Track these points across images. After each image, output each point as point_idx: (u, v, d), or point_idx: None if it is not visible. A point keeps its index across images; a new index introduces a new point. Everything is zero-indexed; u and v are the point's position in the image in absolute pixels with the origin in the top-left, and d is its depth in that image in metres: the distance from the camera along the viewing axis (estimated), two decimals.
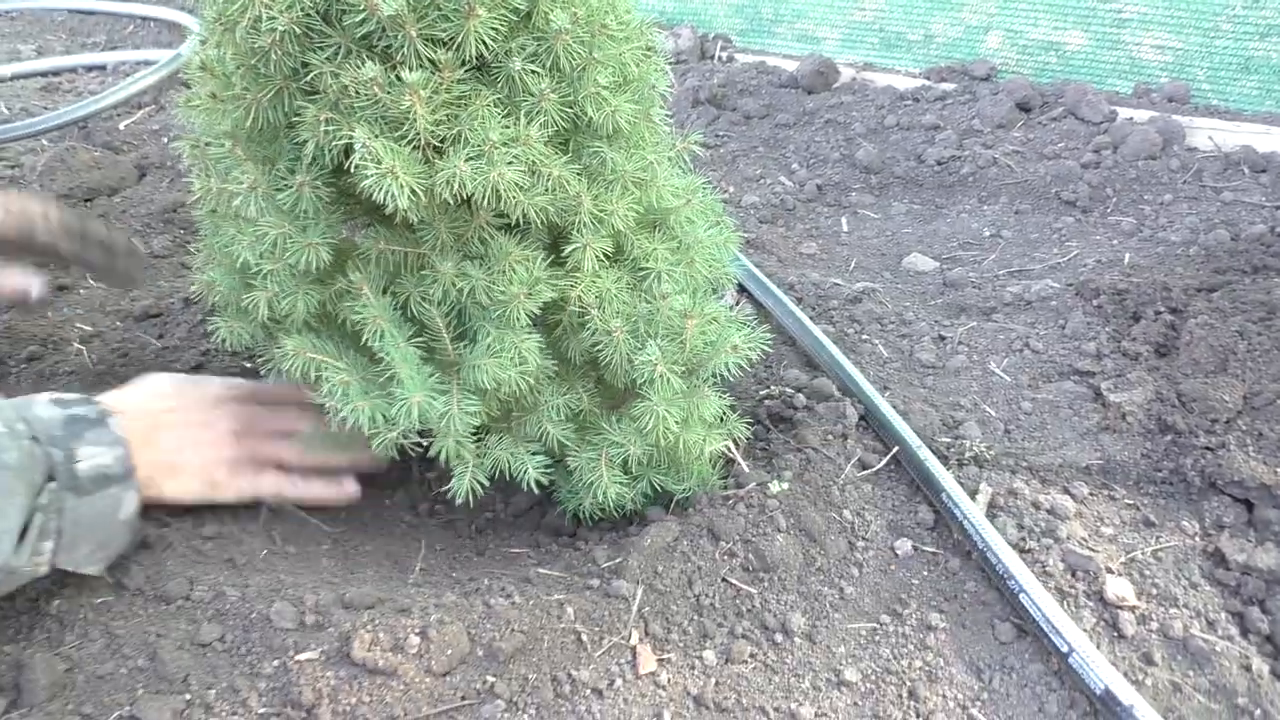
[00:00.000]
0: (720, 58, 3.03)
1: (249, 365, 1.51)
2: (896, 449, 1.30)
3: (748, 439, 1.29)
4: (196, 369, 1.54)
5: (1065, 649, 1.00)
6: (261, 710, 0.95)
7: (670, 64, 2.95)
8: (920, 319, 1.66)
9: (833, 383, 1.45)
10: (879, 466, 1.29)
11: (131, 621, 1.04)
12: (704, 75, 2.81)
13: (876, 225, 2.13)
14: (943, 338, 1.61)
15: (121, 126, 2.59)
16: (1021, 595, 1.06)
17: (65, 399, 1.07)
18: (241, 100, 0.98)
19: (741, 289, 1.75)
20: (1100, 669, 0.97)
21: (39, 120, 2.51)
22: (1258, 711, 0.97)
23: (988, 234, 2.03)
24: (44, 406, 1.04)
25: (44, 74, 3.14)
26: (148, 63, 3.02)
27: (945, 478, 1.22)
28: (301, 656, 0.98)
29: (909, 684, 1.02)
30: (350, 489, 1.27)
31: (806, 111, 2.60)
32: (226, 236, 1.03)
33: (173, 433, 1.17)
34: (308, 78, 0.94)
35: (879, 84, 2.69)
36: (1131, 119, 2.30)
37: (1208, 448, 1.27)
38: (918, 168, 2.30)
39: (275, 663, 0.98)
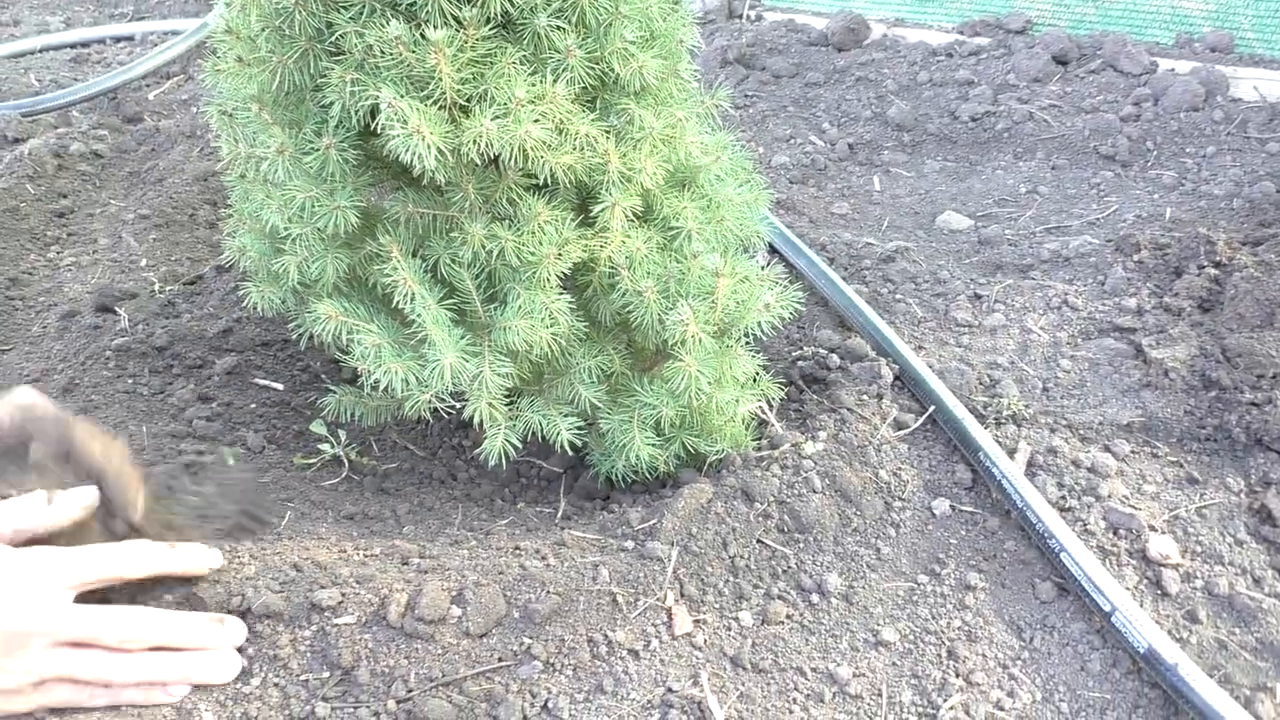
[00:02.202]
0: (748, 16, 2.98)
1: (267, 345, 1.52)
2: (932, 409, 1.28)
3: (781, 400, 1.28)
4: (226, 333, 1.54)
5: (1108, 608, 0.99)
6: (301, 673, 0.95)
7: (698, 24, 2.91)
8: (955, 277, 1.64)
9: (866, 343, 1.44)
10: (915, 426, 1.27)
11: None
12: (732, 35, 2.77)
13: (909, 184, 2.09)
14: (979, 296, 1.58)
15: (151, 96, 2.60)
16: (1063, 554, 1.05)
17: None
18: (267, 63, 0.97)
19: (772, 249, 1.73)
20: (1143, 627, 0.96)
21: (69, 91, 2.52)
22: None
23: (1024, 190, 1.99)
24: None
25: (73, 45, 3.15)
26: (175, 32, 3.02)
27: (982, 437, 1.20)
28: (340, 620, 0.99)
29: (948, 643, 1.02)
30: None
31: (837, 69, 2.55)
32: (256, 201, 1.02)
33: None
34: (332, 38, 0.94)
35: (911, 40, 2.64)
36: (1173, 70, 2.24)
37: (1254, 403, 1.24)
38: (951, 124, 2.25)
39: (314, 625, 0.99)
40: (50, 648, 0.90)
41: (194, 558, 1.01)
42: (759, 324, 1.11)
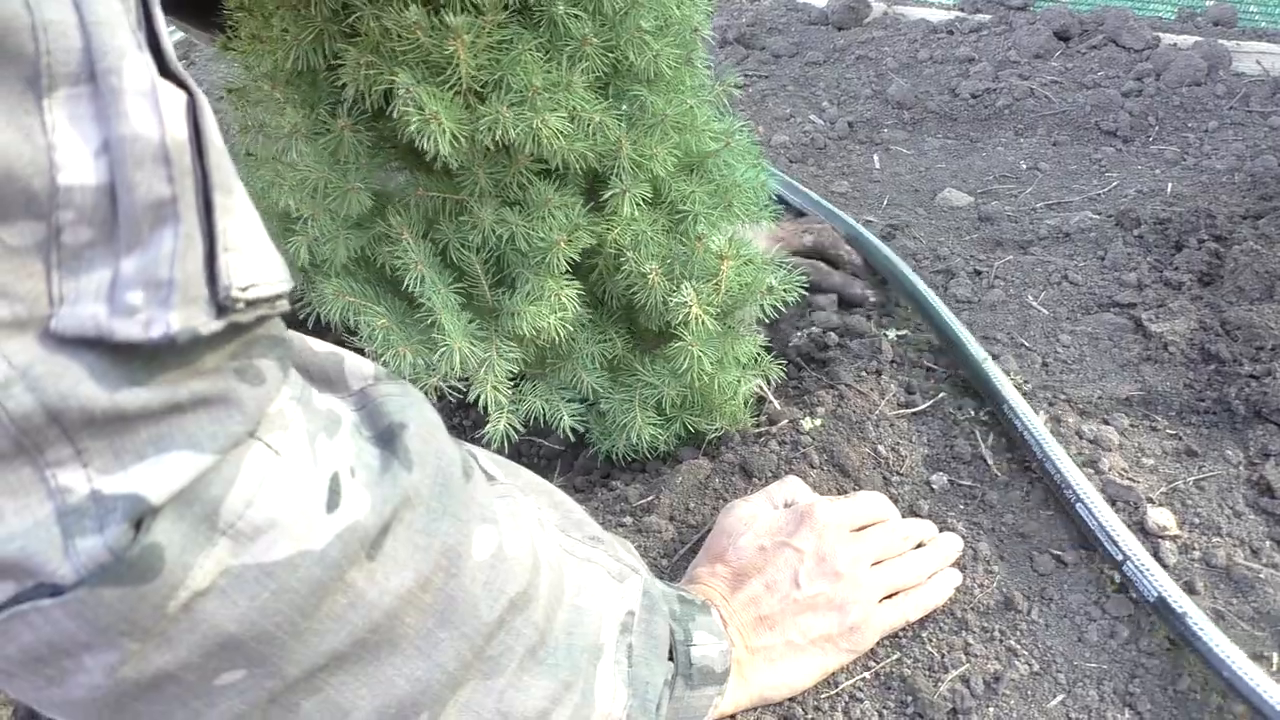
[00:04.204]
0: None
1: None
2: (946, 397, 1.30)
3: (780, 378, 1.29)
4: None
5: (1120, 558, 1.02)
6: None
7: None
8: (955, 254, 1.65)
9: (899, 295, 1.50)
10: (922, 403, 1.29)
11: None
12: (732, 14, 2.76)
13: (909, 161, 2.10)
14: (978, 272, 1.60)
15: None
16: (1078, 505, 1.08)
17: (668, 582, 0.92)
18: (281, 42, 0.97)
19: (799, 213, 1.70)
20: (1155, 576, 0.99)
21: None
22: None
23: (1024, 166, 1.99)
24: (658, 580, 0.89)
25: None
26: None
27: (1007, 389, 1.23)
28: None
29: (946, 616, 1.04)
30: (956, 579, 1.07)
31: (837, 48, 2.55)
32: (264, 180, 1.03)
33: (768, 629, 0.94)
34: (349, 20, 0.94)
35: (912, 17, 2.64)
36: (1175, 44, 2.24)
37: (1253, 376, 1.26)
38: (952, 101, 2.26)
39: None
40: (870, 569, 1.00)
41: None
42: (762, 307, 1.12)
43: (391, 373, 0.63)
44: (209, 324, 0.44)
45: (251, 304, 0.46)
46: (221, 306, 0.44)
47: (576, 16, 0.95)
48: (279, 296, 0.50)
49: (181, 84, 0.46)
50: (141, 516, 0.45)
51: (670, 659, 0.81)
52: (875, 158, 2.12)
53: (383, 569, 0.54)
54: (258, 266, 0.47)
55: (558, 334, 1.06)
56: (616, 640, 0.74)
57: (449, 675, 0.59)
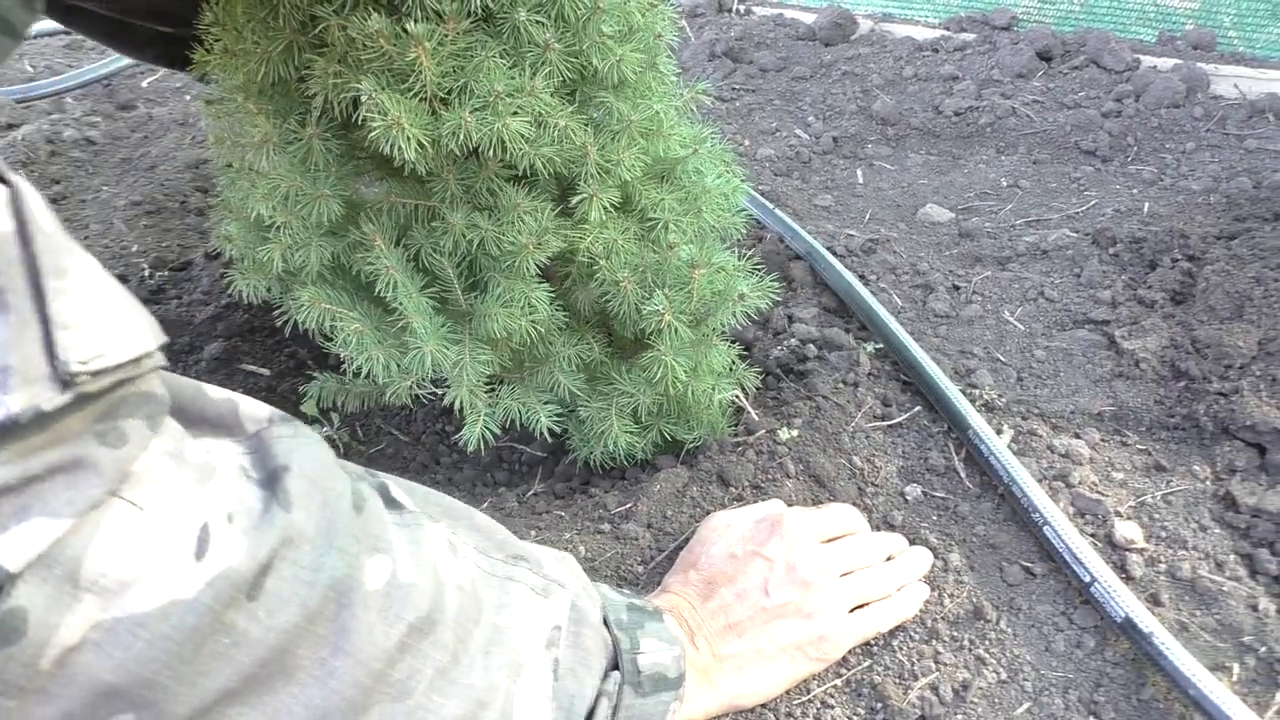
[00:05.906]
0: (738, 10, 3.00)
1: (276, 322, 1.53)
2: (922, 411, 1.30)
3: (759, 389, 1.30)
4: (215, 320, 1.56)
5: (1088, 579, 1.02)
6: None
7: (687, 17, 2.93)
8: (934, 269, 1.66)
9: (856, 322, 1.46)
10: (897, 416, 1.29)
11: None
12: (721, 28, 2.78)
13: (892, 177, 2.11)
14: (957, 287, 1.61)
15: (144, 84, 2.60)
16: (1045, 528, 1.08)
17: (622, 591, 0.92)
18: (253, 54, 0.98)
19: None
20: (1121, 598, 0.99)
21: (63, 78, 2.53)
22: (1262, 649, 0.98)
23: (1005, 184, 2.01)
24: (608, 589, 0.90)
25: (67, 32, 3.15)
26: None
27: (972, 415, 1.23)
28: None
29: (916, 624, 1.04)
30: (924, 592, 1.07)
31: (823, 64, 2.57)
32: (241, 190, 1.04)
33: (736, 637, 0.95)
34: (317, 31, 0.95)
35: (898, 35, 2.66)
36: (1155, 67, 2.27)
37: (1221, 393, 1.27)
38: (935, 119, 2.28)
39: None
40: (839, 579, 1.01)
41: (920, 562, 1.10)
42: (734, 314, 1.13)
43: (286, 416, 0.66)
44: (54, 399, 0.46)
45: (99, 373, 0.49)
46: (65, 381, 0.47)
47: (538, 23, 0.96)
48: (142, 357, 0.52)
49: (2, 179, 0.48)
50: (1, 584, 0.47)
51: (617, 669, 0.82)
52: (859, 172, 2.14)
53: (265, 607, 0.56)
54: (104, 337, 0.50)
55: (529, 336, 1.07)
56: (541, 655, 0.75)
57: (349, 701, 0.60)
